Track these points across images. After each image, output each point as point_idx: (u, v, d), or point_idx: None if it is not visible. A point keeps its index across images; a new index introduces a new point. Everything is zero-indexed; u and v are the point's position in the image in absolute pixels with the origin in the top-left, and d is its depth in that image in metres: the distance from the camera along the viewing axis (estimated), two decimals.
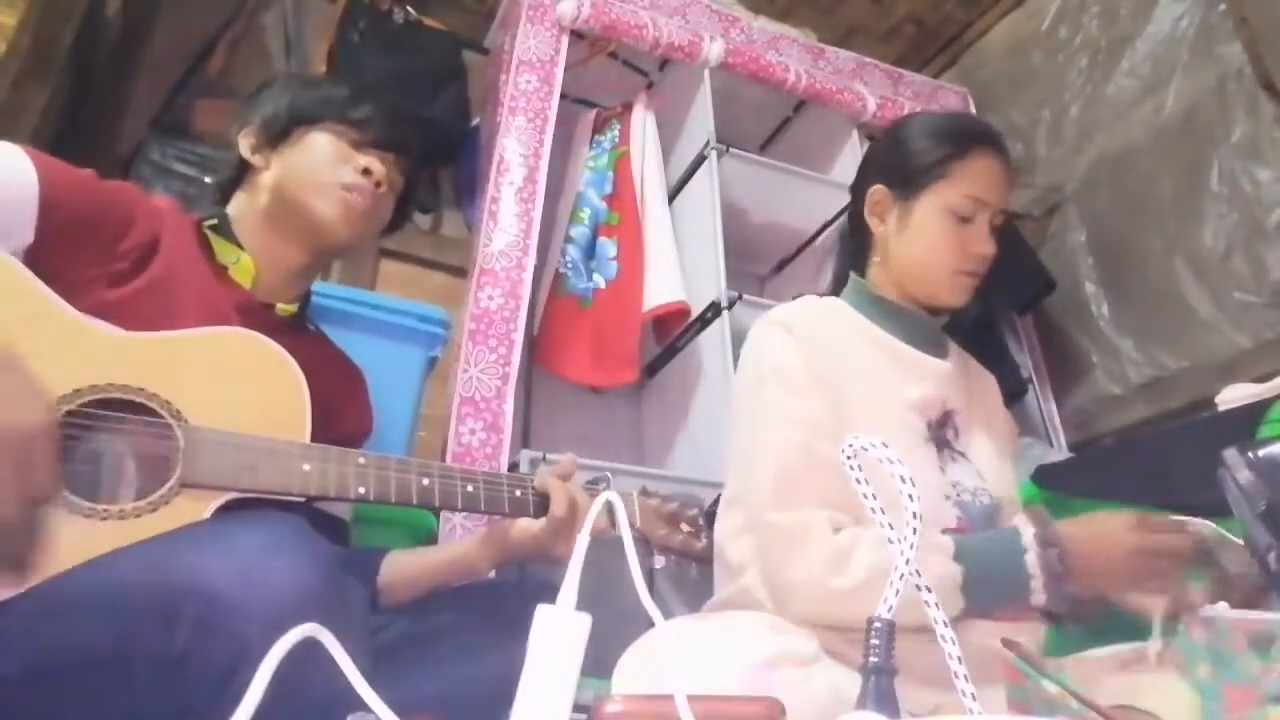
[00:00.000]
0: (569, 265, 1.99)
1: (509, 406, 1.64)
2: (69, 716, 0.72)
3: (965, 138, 1.15)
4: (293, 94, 1.14)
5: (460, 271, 2.28)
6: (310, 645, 0.50)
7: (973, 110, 2.45)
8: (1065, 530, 0.95)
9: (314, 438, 0.95)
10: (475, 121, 2.34)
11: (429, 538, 1.45)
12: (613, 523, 0.61)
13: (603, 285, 1.94)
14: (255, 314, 1.06)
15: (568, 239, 2.02)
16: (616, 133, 2.10)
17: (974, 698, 0.55)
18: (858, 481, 0.64)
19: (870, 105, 2.23)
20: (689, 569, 1.17)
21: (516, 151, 1.87)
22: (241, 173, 1.14)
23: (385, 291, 2.27)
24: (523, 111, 1.90)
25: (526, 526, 1.05)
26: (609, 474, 1.36)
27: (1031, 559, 0.93)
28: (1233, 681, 0.76)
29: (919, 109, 2.25)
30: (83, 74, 1.97)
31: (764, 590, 0.99)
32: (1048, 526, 0.95)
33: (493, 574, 1.18)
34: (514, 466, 1.61)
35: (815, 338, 1.09)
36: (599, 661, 0.68)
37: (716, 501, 1.24)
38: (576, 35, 2.05)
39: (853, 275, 1.21)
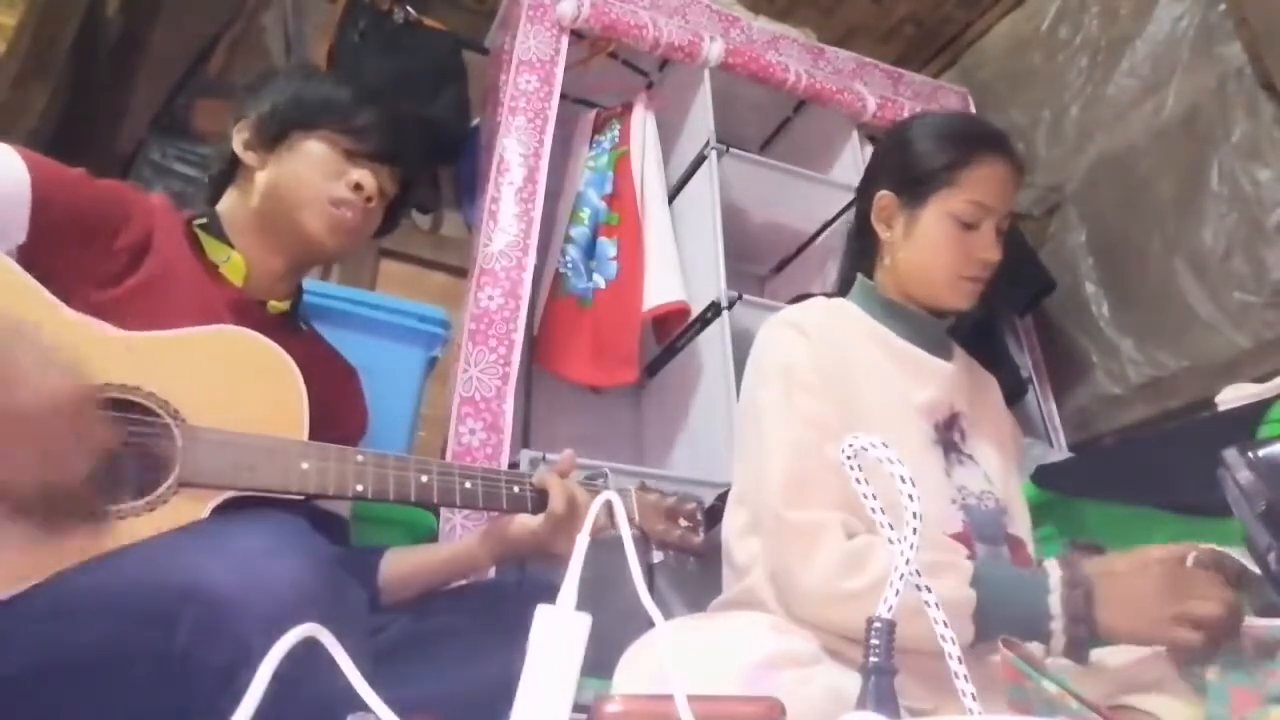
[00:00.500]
0: (569, 265, 1.99)
1: (509, 406, 1.63)
2: (69, 717, 0.72)
3: (971, 143, 1.14)
4: (294, 92, 1.12)
5: (460, 271, 2.28)
6: (310, 645, 0.50)
7: (973, 110, 2.45)
8: (1096, 570, 0.89)
9: (311, 436, 0.95)
10: (475, 121, 2.34)
11: (428, 537, 1.45)
12: (612, 521, 0.60)
13: (603, 285, 1.94)
14: (248, 312, 1.05)
15: (568, 239, 2.02)
16: (616, 133, 2.10)
17: (974, 698, 0.55)
18: (857, 481, 0.64)
19: (870, 105, 2.23)
20: (688, 564, 1.17)
21: (516, 151, 1.87)
22: (234, 168, 1.13)
23: (385, 291, 2.27)
24: (523, 111, 1.90)
25: (526, 522, 1.05)
26: (606, 470, 1.37)
27: (1055, 600, 0.88)
28: (1240, 684, 0.76)
29: (919, 109, 2.25)
30: (83, 74, 1.97)
31: (769, 590, 0.98)
32: (1076, 568, 0.90)
33: (492, 573, 1.18)
34: (514, 466, 1.61)
35: (825, 338, 1.08)
36: (599, 661, 0.68)
37: (717, 498, 1.24)
38: (576, 35, 2.05)
39: (860, 277, 1.21)
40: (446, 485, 0.99)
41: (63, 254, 0.91)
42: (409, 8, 2.37)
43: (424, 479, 0.98)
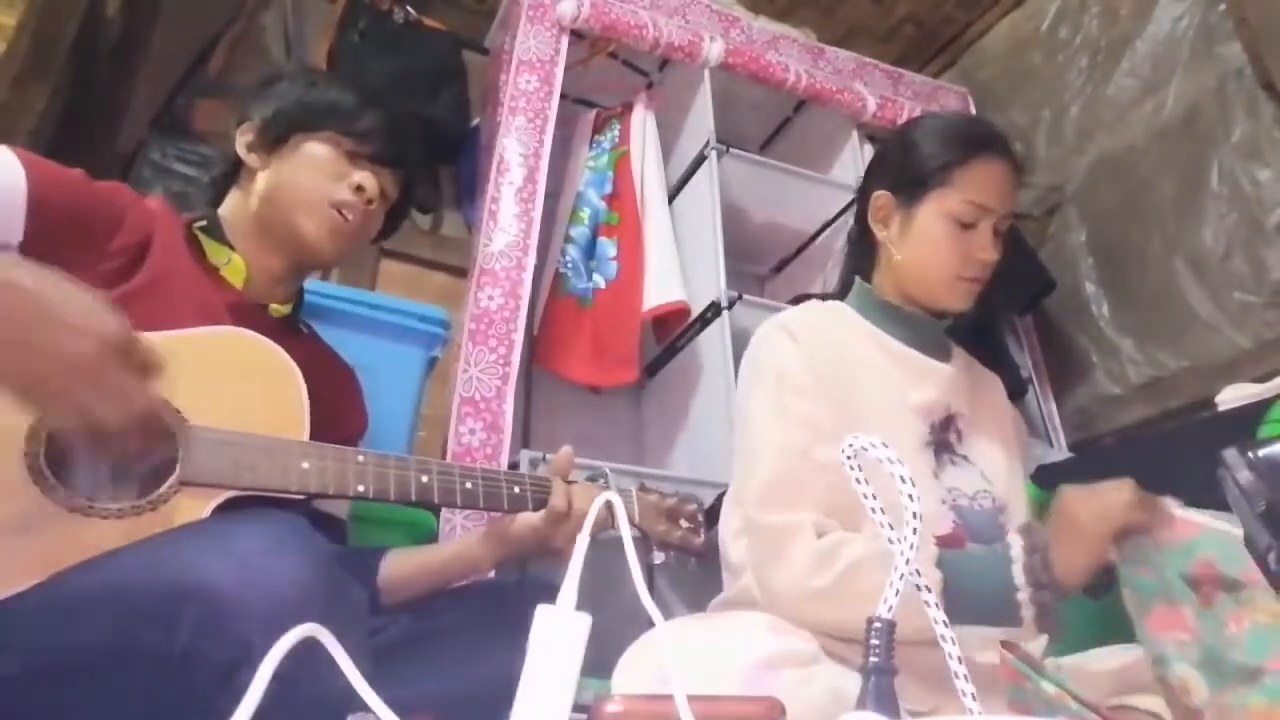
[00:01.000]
0: (569, 265, 1.99)
1: (509, 406, 1.63)
2: (69, 716, 0.72)
3: (968, 143, 1.14)
4: (298, 95, 1.13)
5: (460, 271, 2.28)
6: (310, 645, 0.50)
7: (972, 110, 2.45)
8: (1050, 525, 0.91)
9: (311, 437, 0.95)
10: (475, 121, 2.34)
11: (429, 537, 1.45)
12: (613, 521, 0.61)
13: (603, 285, 1.94)
14: (248, 314, 1.05)
15: (568, 239, 2.02)
16: (616, 133, 2.10)
17: (974, 698, 0.55)
18: (858, 481, 0.64)
19: (870, 105, 2.23)
20: (688, 565, 1.17)
21: (516, 151, 1.87)
22: (236, 169, 1.13)
23: (385, 291, 2.27)
24: (523, 111, 1.90)
25: (527, 519, 1.05)
26: (607, 470, 1.36)
27: (1018, 569, 0.89)
28: (1154, 596, 0.82)
29: (919, 109, 2.25)
30: (83, 74, 1.97)
31: (759, 590, 0.99)
32: (1035, 534, 0.91)
33: (493, 573, 1.18)
34: (514, 466, 1.61)
35: (818, 341, 1.09)
36: (599, 661, 0.68)
37: (717, 498, 1.24)
38: (576, 35, 2.04)
39: (858, 279, 1.21)
40: (447, 485, 0.99)
41: (60, 255, 0.90)
42: (409, 8, 2.37)
43: (424, 479, 0.98)
